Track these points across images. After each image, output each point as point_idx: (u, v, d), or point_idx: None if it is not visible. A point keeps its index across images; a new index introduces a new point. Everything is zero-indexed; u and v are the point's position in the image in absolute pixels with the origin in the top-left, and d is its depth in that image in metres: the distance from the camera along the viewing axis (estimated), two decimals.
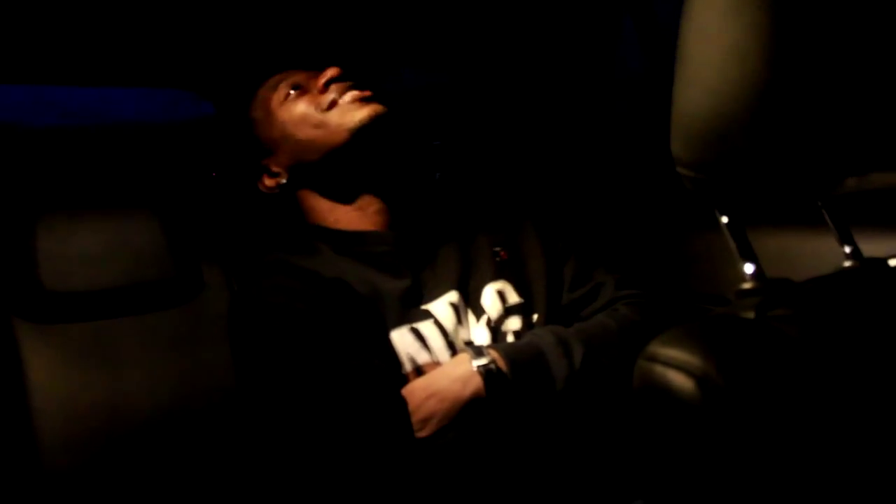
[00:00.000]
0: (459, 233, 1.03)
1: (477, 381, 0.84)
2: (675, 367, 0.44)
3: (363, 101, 0.96)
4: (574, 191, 1.62)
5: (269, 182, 1.04)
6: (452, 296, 0.96)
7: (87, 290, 1.12)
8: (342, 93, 0.97)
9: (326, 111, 0.96)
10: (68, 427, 1.07)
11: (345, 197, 1.00)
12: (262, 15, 1.25)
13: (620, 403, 0.89)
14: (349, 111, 0.95)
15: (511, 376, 0.85)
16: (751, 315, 0.48)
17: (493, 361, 0.86)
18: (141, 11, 1.15)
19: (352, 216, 1.00)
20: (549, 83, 1.60)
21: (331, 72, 0.98)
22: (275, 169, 1.03)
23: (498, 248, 1.02)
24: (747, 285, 0.54)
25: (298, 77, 1.01)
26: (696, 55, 0.49)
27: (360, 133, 0.94)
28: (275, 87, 1.02)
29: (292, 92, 1.00)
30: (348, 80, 0.98)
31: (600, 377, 0.88)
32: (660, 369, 0.45)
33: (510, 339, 0.96)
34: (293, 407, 0.85)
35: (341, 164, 0.98)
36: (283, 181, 1.02)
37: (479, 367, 0.85)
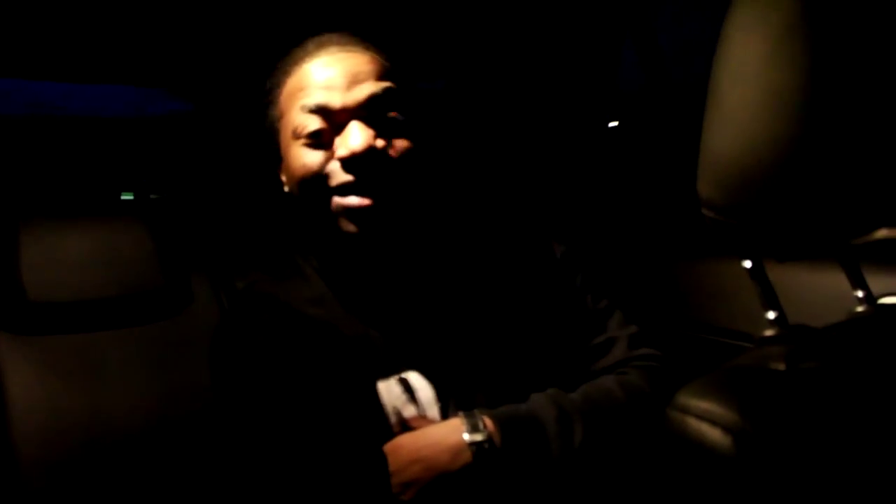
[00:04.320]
0: (463, 264, 0.97)
1: (468, 456, 0.81)
2: (709, 420, 0.43)
3: (359, 212, 0.86)
4: (587, 215, 1.60)
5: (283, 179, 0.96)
6: (448, 341, 0.90)
7: (71, 301, 1.08)
8: (345, 194, 0.86)
9: (330, 190, 0.87)
10: (49, 443, 1.03)
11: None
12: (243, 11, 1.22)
13: (618, 471, 0.86)
14: (343, 221, 0.87)
15: (505, 453, 0.82)
16: (781, 366, 0.47)
17: (488, 438, 0.82)
18: (113, 9, 1.12)
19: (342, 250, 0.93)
20: (556, 99, 1.59)
21: (355, 146, 0.84)
22: (283, 177, 0.95)
23: (506, 283, 0.95)
24: (770, 332, 0.53)
25: (317, 121, 0.88)
26: (731, 97, 0.48)
27: (350, 238, 0.87)
28: (294, 98, 0.90)
29: (306, 138, 0.88)
30: (363, 162, 0.85)
31: (599, 453, 0.85)
32: (693, 422, 0.44)
33: (509, 391, 0.90)
34: (270, 458, 0.83)
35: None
36: (287, 190, 0.94)
37: (472, 443, 0.81)
